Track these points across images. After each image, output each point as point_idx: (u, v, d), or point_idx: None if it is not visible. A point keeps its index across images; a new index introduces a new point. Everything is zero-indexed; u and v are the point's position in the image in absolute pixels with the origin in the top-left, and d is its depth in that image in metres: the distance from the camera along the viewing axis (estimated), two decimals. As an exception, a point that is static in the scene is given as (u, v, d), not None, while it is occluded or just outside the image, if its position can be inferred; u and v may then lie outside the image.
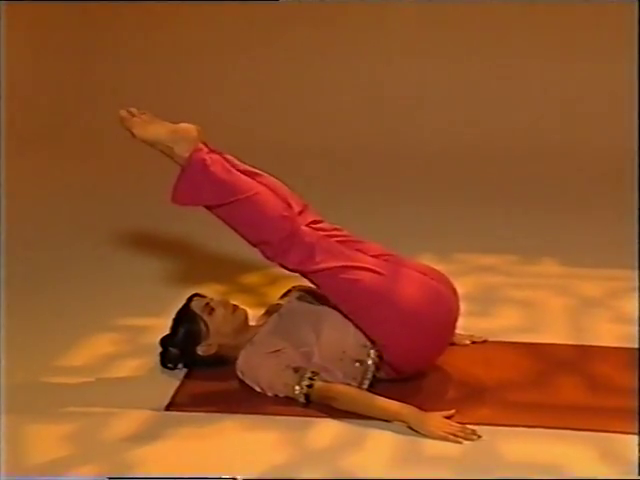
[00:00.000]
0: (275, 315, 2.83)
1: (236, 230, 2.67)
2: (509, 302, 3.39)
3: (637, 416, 2.51)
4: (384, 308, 2.60)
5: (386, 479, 2.26)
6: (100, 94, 6.30)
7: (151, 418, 2.59)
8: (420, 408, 2.48)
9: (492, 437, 2.41)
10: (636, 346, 2.99)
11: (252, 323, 2.91)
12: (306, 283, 2.81)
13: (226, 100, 6.25)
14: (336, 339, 2.68)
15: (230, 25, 6.39)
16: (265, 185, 2.68)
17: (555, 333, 3.13)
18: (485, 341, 3.04)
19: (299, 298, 2.89)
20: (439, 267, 2.78)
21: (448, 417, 2.48)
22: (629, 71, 5.63)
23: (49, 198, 4.94)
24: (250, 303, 3.10)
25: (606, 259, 3.77)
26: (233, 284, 3.59)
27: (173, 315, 2.86)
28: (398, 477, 2.27)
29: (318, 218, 2.76)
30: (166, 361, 2.86)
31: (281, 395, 2.61)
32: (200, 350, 2.79)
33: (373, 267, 2.64)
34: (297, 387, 2.57)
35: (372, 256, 2.70)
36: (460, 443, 2.39)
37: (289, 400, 2.59)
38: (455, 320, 2.76)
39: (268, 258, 2.68)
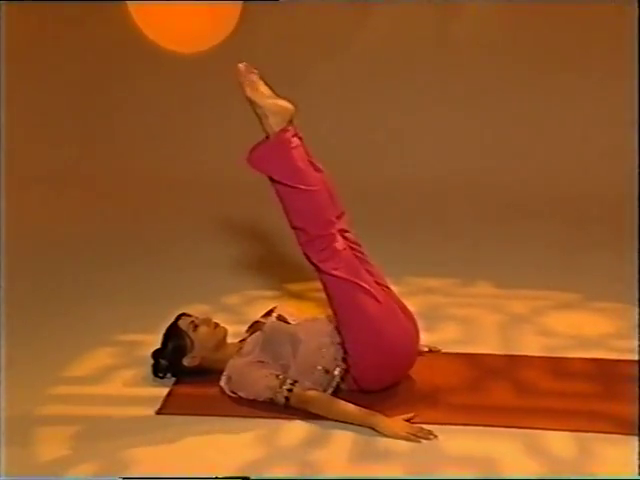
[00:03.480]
0: (259, 332, 2.80)
1: (285, 209, 2.60)
2: (450, 319, 3.38)
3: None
4: (369, 334, 2.59)
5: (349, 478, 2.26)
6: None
7: (144, 421, 2.59)
8: (382, 412, 2.49)
9: (435, 434, 2.42)
10: (556, 356, 3.00)
11: (234, 339, 2.90)
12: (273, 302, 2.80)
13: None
14: (310, 355, 2.66)
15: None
16: (323, 181, 2.61)
17: (488, 345, 3.13)
18: (439, 351, 3.03)
19: (278, 318, 2.87)
20: (394, 288, 2.77)
21: (408, 419, 2.48)
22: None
23: (50, 225, 4.91)
24: (230, 321, 3.06)
25: (531, 281, 3.77)
26: (215, 304, 3.56)
27: (163, 332, 2.86)
28: (357, 471, 2.27)
29: (347, 228, 2.69)
30: (157, 371, 2.85)
31: (262, 398, 2.59)
32: (186, 362, 2.78)
33: (376, 294, 2.62)
34: (279, 391, 2.55)
35: (376, 282, 2.67)
36: (419, 442, 2.39)
37: (265, 405, 2.58)
38: (416, 356, 2.76)
39: (299, 244, 2.61)
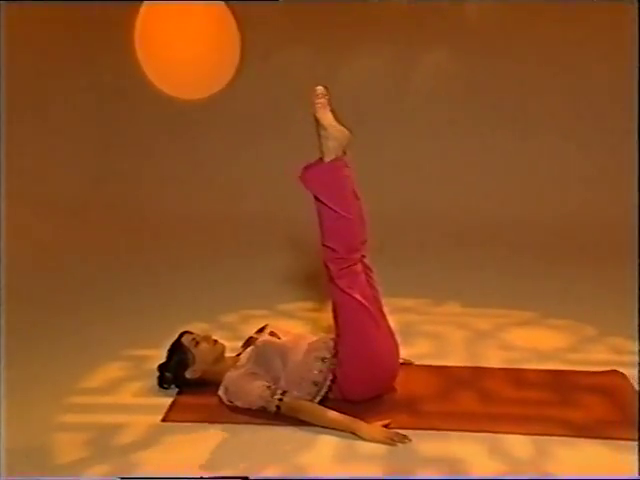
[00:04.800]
0: (253, 347, 2.80)
1: (321, 226, 2.57)
2: (422, 335, 3.40)
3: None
4: (364, 352, 2.60)
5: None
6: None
7: (151, 428, 2.59)
8: (362, 419, 2.50)
9: (410, 438, 2.44)
10: (516, 367, 3.01)
11: (231, 353, 2.90)
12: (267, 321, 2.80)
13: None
14: (298, 368, 2.67)
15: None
16: (359, 210, 2.59)
17: (456, 358, 3.14)
18: (412, 363, 3.02)
19: (271, 334, 2.87)
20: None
21: (385, 425, 2.49)
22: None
23: (68, 253, 4.92)
24: (227, 337, 3.08)
25: (494, 302, 3.79)
26: (214, 322, 3.57)
27: (167, 347, 2.87)
28: (340, 472, 2.29)
29: (366, 254, 2.67)
30: (162, 383, 2.85)
31: (255, 407, 2.59)
32: (188, 374, 2.79)
33: (377, 318, 2.62)
34: (270, 400, 2.55)
35: (377, 307, 2.66)
36: (396, 445, 2.41)
37: (259, 412, 2.58)
38: (397, 372, 2.75)
39: (325, 258, 2.57)
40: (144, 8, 4.93)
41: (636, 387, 2.80)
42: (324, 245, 2.58)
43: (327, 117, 2.49)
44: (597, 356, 3.14)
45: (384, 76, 5.80)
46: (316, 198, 2.55)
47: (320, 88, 2.49)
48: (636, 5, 4.94)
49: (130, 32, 4.75)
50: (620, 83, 5.34)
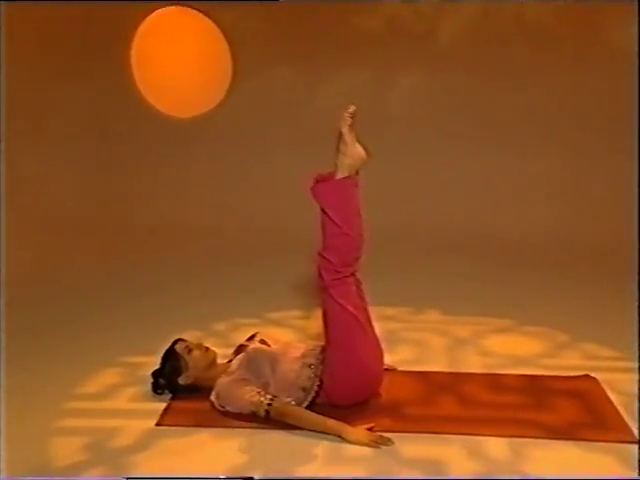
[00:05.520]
0: (243, 354, 2.78)
1: (323, 237, 2.55)
2: (405, 342, 3.39)
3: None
4: (352, 360, 2.58)
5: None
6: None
7: (145, 431, 2.58)
8: (347, 422, 2.49)
9: (393, 441, 2.44)
10: (493, 372, 3.01)
11: (222, 360, 2.88)
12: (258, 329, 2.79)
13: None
14: (287, 374, 2.66)
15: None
16: (360, 229, 2.57)
17: (437, 364, 3.13)
18: (395, 369, 3.02)
19: (261, 342, 2.86)
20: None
21: (369, 428, 2.48)
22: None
23: (68, 265, 4.90)
24: (219, 345, 3.08)
25: (473, 310, 3.79)
26: (206, 330, 3.55)
27: (162, 354, 2.85)
28: (327, 473, 2.28)
29: (357, 269, 2.64)
30: (156, 389, 2.84)
31: (246, 412, 2.57)
32: (181, 380, 2.78)
33: (366, 328, 2.62)
34: (260, 405, 2.54)
35: (366, 318, 2.65)
36: (379, 448, 2.40)
37: (249, 417, 2.57)
38: (381, 382, 2.75)
39: (319, 265, 2.55)
40: (142, 28, 4.95)
41: (607, 391, 2.80)
42: (321, 255, 2.56)
43: (351, 135, 2.49)
44: (570, 361, 3.14)
45: (363, 96, 5.76)
46: (323, 210, 2.53)
47: (353, 107, 2.48)
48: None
49: (127, 45, 4.75)
50: (599, 95, 5.41)
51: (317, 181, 2.54)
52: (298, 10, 5.63)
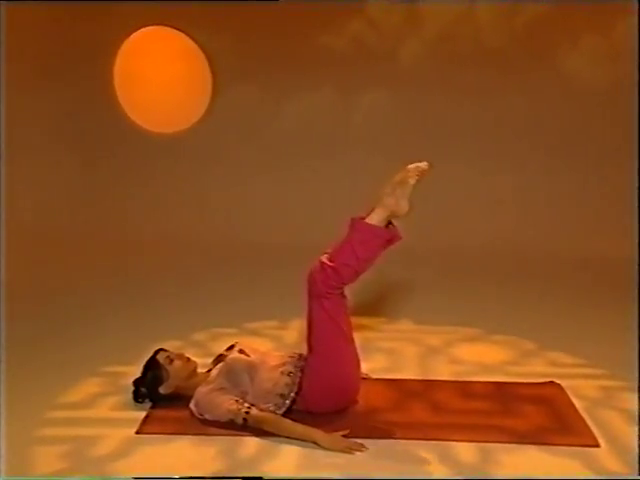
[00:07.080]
0: (222, 363, 2.78)
1: (338, 252, 2.54)
2: (378, 350, 3.40)
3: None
4: (332, 369, 2.60)
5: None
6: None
7: (126, 439, 2.56)
8: (322, 429, 2.50)
9: (367, 446, 2.45)
10: (463, 380, 3.03)
11: (202, 369, 2.88)
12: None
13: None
14: (265, 383, 2.66)
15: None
16: (365, 270, 2.60)
17: (409, 372, 3.15)
18: (370, 377, 3.02)
19: (240, 352, 2.86)
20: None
21: (343, 435, 2.49)
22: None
23: (50, 276, 4.85)
24: (199, 354, 3.07)
25: (443, 319, 3.81)
26: (186, 340, 3.54)
27: (143, 364, 2.83)
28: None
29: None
30: (137, 397, 2.82)
31: (224, 419, 2.57)
32: (162, 389, 2.77)
33: (350, 341, 2.64)
34: (238, 413, 2.54)
35: (349, 330, 2.65)
36: (353, 454, 2.41)
37: (227, 425, 2.57)
38: (358, 392, 2.76)
39: (316, 271, 2.54)
40: (125, 45, 4.96)
41: (571, 397, 2.85)
42: (325, 264, 2.54)
43: (408, 187, 2.51)
44: (536, 369, 3.18)
45: (326, 114, 5.84)
46: (350, 239, 2.54)
47: (426, 164, 2.52)
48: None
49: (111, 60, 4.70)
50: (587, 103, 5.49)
51: (361, 218, 2.57)
52: (262, 27, 5.65)
